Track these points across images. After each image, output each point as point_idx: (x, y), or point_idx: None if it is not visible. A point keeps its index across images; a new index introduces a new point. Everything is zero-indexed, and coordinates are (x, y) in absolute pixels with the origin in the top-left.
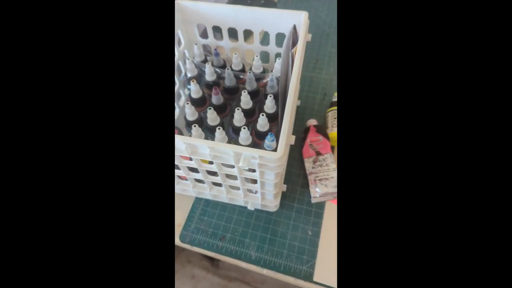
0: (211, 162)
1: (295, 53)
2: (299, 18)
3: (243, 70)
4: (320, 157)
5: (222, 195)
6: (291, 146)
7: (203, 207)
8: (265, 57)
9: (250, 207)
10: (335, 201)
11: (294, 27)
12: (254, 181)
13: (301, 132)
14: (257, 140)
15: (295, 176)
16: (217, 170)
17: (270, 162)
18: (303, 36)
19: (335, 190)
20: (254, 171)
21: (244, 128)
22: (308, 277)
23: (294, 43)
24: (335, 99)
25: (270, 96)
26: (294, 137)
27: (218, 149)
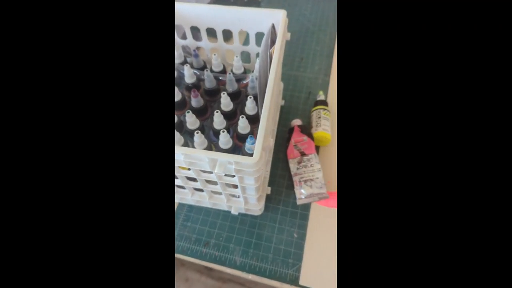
0: (189, 168)
1: (273, 52)
2: (278, 17)
3: (223, 71)
4: (305, 158)
5: (204, 200)
6: (276, 147)
7: (186, 213)
8: (247, 57)
9: (234, 211)
10: (321, 202)
11: (273, 26)
12: (236, 186)
13: (286, 132)
14: (239, 143)
15: (280, 178)
16: (196, 176)
17: (247, 167)
18: (282, 35)
19: (320, 191)
20: (233, 176)
21: (223, 132)
22: (294, 281)
23: (273, 42)
24: (319, 97)
25: (250, 98)
26: (272, 140)
27: (193, 155)
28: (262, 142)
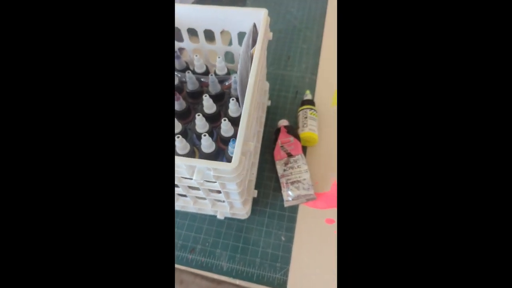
0: None
1: (254, 53)
2: (259, 16)
3: (207, 73)
4: (291, 159)
5: (189, 206)
6: (263, 148)
7: None
8: (231, 57)
9: (220, 216)
10: (309, 203)
11: (254, 25)
12: (219, 191)
13: (272, 133)
14: (222, 146)
15: (267, 180)
16: (177, 183)
17: (226, 173)
18: (263, 34)
19: (308, 192)
20: (214, 182)
21: (205, 135)
22: (282, 285)
23: (255, 42)
24: (306, 97)
25: (233, 99)
26: (253, 144)
27: None
28: (241, 147)
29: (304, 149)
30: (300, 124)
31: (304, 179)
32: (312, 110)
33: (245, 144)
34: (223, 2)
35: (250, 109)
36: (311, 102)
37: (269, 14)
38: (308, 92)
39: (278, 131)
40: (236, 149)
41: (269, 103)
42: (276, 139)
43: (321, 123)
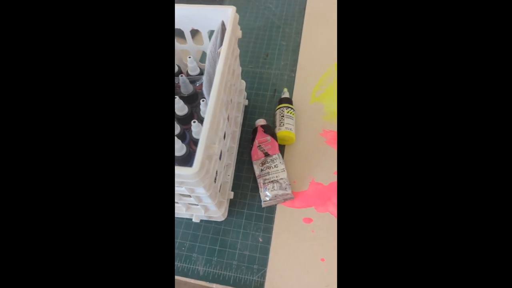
0: None
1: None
2: (227, 14)
3: (179, 73)
4: (269, 159)
5: None
6: (241, 149)
7: None
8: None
9: (195, 219)
10: (286, 203)
11: (222, 23)
12: (190, 195)
13: (250, 133)
14: (195, 148)
15: (245, 180)
16: None
17: (187, 178)
18: (230, 33)
19: (285, 192)
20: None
21: (175, 138)
22: (260, 287)
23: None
24: (284, 95)
25: (203, 100)
26: (216, 147)
27: None
28: (203, 151)
29: (282, 148)
30: (277, 123)
31: (282, 179)
32: (289, 109)
33: (209, 147)
34: (198, 1)
35: (215, 109)
36: (288, 101)
37: (247, 11)
38: (285, 90)
39: (255, 130)
40: (198, 153)
41: (246, 102)
42: (253, 139)
43: (300, 120)
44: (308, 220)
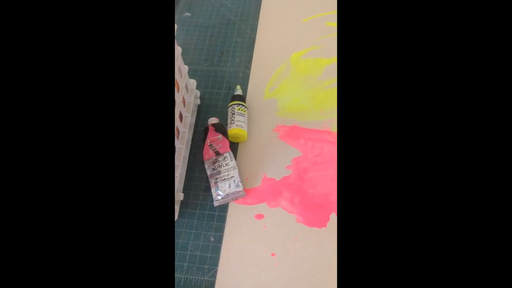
0: None
1: None
2: None
3: None
4: (220, 157)
5: None
6: (194, 149)
7: None
8: None
9: None
10: (238, 200)
11: None
12: None
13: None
14: None
15: (198, 181)
16: None
17: None
18: None
19: (237, 189)
20: None
21: None
22: (209, 287)
23: None
24: (236, 92)
25: None
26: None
27: None
28: None
29: (236, 145)
30: (228, 121)
31: (232, 177)
32: (240, 106)
33: None
34: None
35: None
36: (240, 98)
37: (203, 9)
38: (238, 87)
39: (206, 130)
40: None
41: (198, 101)
42: (205, 139)
43: (254, 117)
44: (260, 216)
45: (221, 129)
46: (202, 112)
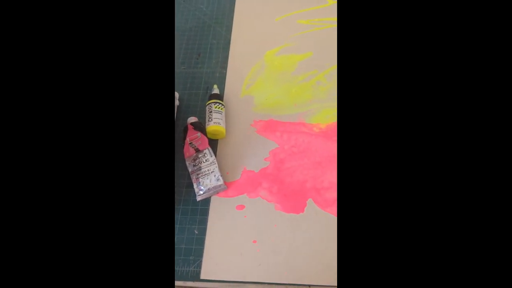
0: None
1: None
2: None
3: None
4: (200, 154)
5: None
6: (176, 148)
7: None
8: None
9: None
10: (220, 194)
11: None
12: None
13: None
14: None
15: (180, 178)
16: None
17: None
18: None
19: (218, 183)
20: None
21: None
22: (195, 277)
23: None
24: (214, 91)
25: None
26: None
27: None
28: None
29: (215, 142)
30: (206, 119)
31: (213, 172)
32: (217, 104)
33: None
34: None
35: None
36: (217, 96)
37: (179, 13)
38: (215, 86)
39: (185, 129)
40: None
41: (177, 103)
42: (184, 137)
43: (231, 114)
44: (241, 207)
45: (200, 127)
46: (181, 113)
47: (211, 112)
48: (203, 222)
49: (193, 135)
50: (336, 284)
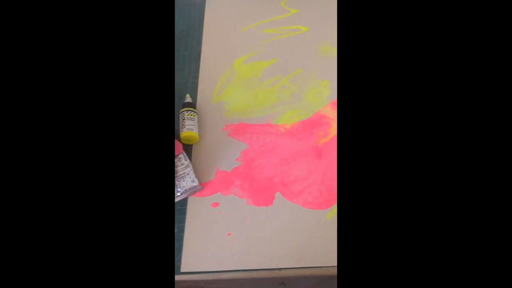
0: None
1: None
2: None
3: None
4: (175, 159)
5: None
6: None
7: None
8: None
9: None
10: (196, 194)
11: None
12: None
13: None
14: None
15: None
16: None
17: None
18: None
19: (193, 184)
20: None
21: None
22: (176, 270)
23: None
24: (186, 100)
25: None
26: None
27: None
28: None
29: (190, 147)
30: (180, 126)
31: (188, 174)
32: (190, 111)
33: None
34: None
35: None
36: (189, 104)
37: None
38: (188, 95)
39: None
40: None
41: None
42: None
43: (204, 120)
44: (216, 204)
45: (175, 133)
46: None
47: (184, 119)
48: (182, 221)
49: None
50: (302, 266)
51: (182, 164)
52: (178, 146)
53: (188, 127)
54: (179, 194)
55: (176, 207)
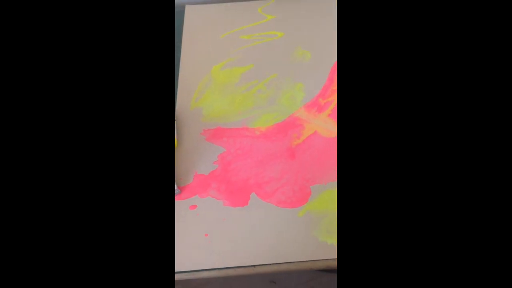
0: None
1: None
2: None
3: None
4: None
5: None
6: None
7: None
8: None
9: None
10: (175, 197)
11: None
12: None
13: None
14: None
15: None
16: None
17: None
18: None
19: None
20: None
21: None
22: None
23: None
24: None
25: None
26: None
27: None
28: None
29: None
30: None
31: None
32: None
33: None
34: None
35: None
36: None
37: None
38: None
39: None
40: None
41: None
42: None
43: (183, 126)
44: (193, 206)
45: None
46: None
47: None
48: None
49: None
50: (275, 262)
51: None
52: None
53: None
54: None
55: None
